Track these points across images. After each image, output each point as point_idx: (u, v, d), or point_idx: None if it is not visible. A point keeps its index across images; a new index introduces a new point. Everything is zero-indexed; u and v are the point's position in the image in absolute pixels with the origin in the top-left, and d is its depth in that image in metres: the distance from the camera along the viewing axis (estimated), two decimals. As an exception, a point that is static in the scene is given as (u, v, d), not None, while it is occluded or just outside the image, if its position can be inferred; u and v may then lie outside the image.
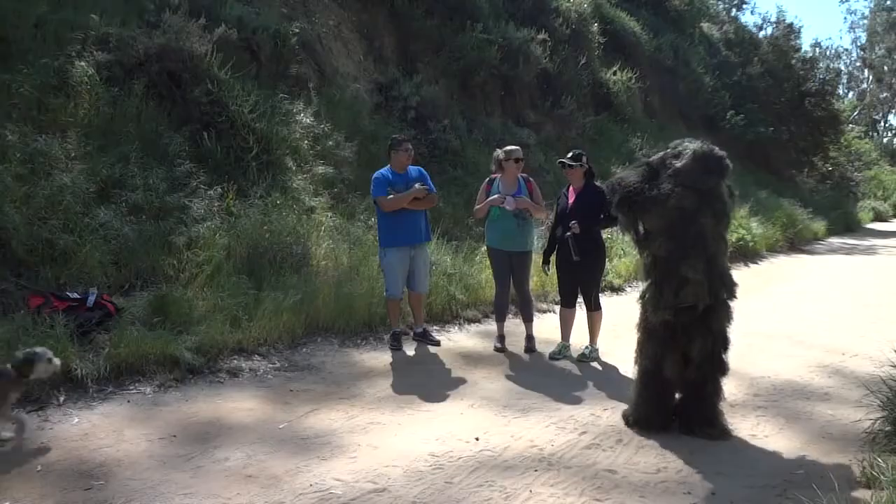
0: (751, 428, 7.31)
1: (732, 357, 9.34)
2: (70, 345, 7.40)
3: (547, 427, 7.18)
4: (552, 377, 8.89)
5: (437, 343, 10.20)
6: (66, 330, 7.50)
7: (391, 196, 9.70)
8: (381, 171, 9.98)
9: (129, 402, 7.24)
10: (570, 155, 9.66)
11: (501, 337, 10.20)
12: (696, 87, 31.22)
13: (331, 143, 13.75)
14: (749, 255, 20.97)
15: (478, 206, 10.17)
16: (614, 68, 25.56)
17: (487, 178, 10.25)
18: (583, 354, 9.73)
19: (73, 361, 7.26)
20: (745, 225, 21.56)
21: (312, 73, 15.22)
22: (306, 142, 13.31)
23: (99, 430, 6.57)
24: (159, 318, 8.40)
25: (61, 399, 7.00)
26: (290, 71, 14.44)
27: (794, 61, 36.75)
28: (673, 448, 6.71)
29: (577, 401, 8.03)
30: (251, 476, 5.87)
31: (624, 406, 7.61)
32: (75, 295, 8.25)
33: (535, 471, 6.18)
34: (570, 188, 9.66)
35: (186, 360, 7.98)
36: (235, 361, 8.53)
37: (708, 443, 6.83)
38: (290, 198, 11.66)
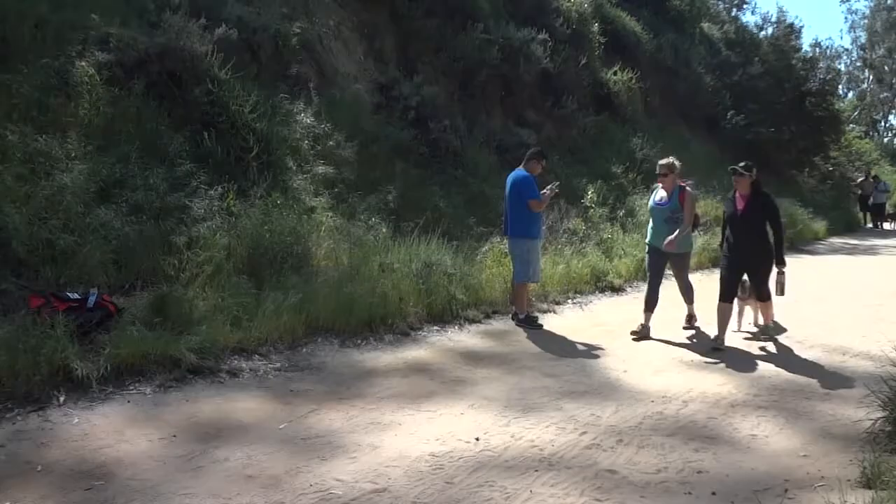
0: (751, 428, 7.28)
1: (733, 357, 9.43)
2: (70, 345, 7.33)
3: (547, 427, 7.14)
4: (553, 377, 8.84)
5: (541, 327, 11.32)
6: (67, 330, 7.42)
7: (546, 193, 11.37)
8: (526, 174, 11.40)
9: (129, 402, 7.19)
10: (741, 164, 10.24)
11: (642, 325, 11.01)
12: (697, 87, 31.17)
13: (331, 143, 13.78)
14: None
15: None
16: (615, 68, 25.55)
17: (653, 186, 11.64)
18: (762, 331, 10.97)
19: (74, 362, 7.22)
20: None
21: (313, 73, 15.23)
22: (307, 142, 13.34)
23: (99, 430, 6.53)
24: (160, 318, 8.35)
25: (61, 399, 6.95)
26: (291, 71, 14.46)
27: (794, 61, 36.63)
28: (674, 448, 6.71)
29: (577, 401, 7.97)
30: (251, 476, 5.85)
31: (631, 406, 7.72)
32: (76, 295, 8.20)
33: (536, 471, 6.16)
34: (738, 194, 10.27)
35: (187, 361, 7.93)
36: (236, 361, 8.50)
37: (710, 443, 6.82)
38: (291, 198, 11.66)
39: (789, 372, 9.32)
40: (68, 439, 6.34)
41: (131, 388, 7.48)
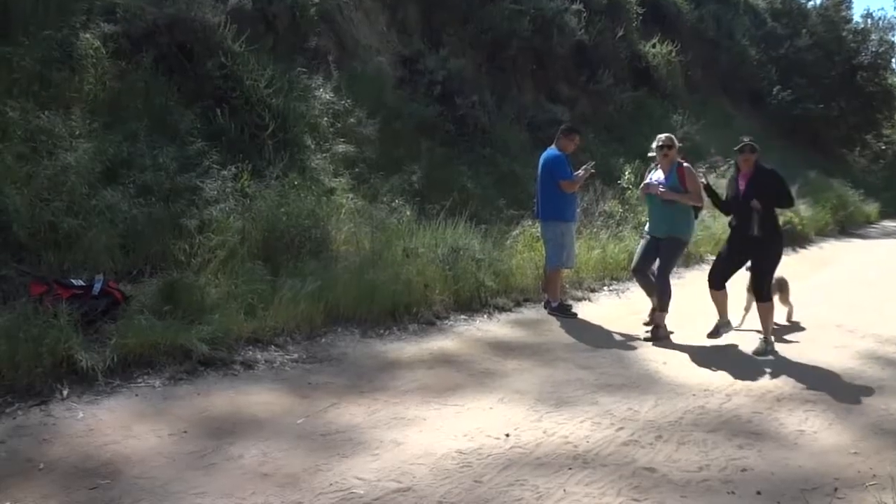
0: (798, 423, 7.26)
1: (779, 347, 9.34)
2: (74, 335, 7.28)
3: (582, 422, 7.10)
4: (588, 369, 8.79)
5: (575, 315, 11.29)
6: (70, 319, 7.38)
7: (580, 174, 11.26)
8: (558, 153, 11.29)
9: (137, 395, 7.16)
10: (748, 139, 9.83)
11: (653, 310, 10.71)
12: (741, 61, 31.07)
13: (352, 119, 13.82)
14: (797, 239, 20.85)
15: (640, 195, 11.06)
16: (653, 40, 25.49)
17: (649, 167, 11.09)
18: (757, 349, 9.76)
19: (78, 353, 7.19)
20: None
21: (332, 46, 15.22)
22: (326, 119, 13.38)
23: (105, 425, 6.50)
24: (169, 306, 8.30)
25: (65, 393, 6.92)
26: (309, 43, 14.47)
27: (844, 33, 36.48)
28: (716, 444, 6.68)
29: (614, 394, 7.94)
30: (267, 474, 5.82)
31: (671, 400, 7.70)
32: (80, 282, 8.21)
33: (570, 469, 6.12)
34: (740, 174, 9.85)
35: (198, 351, 7.90)
36: (251, 352, 8.46)
37: (754, 439, 6.80)
38: (309, 178, 11.68)
39: (839, 363, 9.27)
40: (72, 435, 6.30)
41: (139, 380, 7.45)
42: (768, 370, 8.97)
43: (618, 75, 22.83)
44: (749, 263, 10.00)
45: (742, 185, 9.67)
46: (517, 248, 12.83)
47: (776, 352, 9.63)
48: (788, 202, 9.86)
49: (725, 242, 10.26)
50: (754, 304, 10.16)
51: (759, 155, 9.73)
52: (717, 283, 10.07)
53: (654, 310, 10.59)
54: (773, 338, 9.84)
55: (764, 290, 9.77)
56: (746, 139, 9.80)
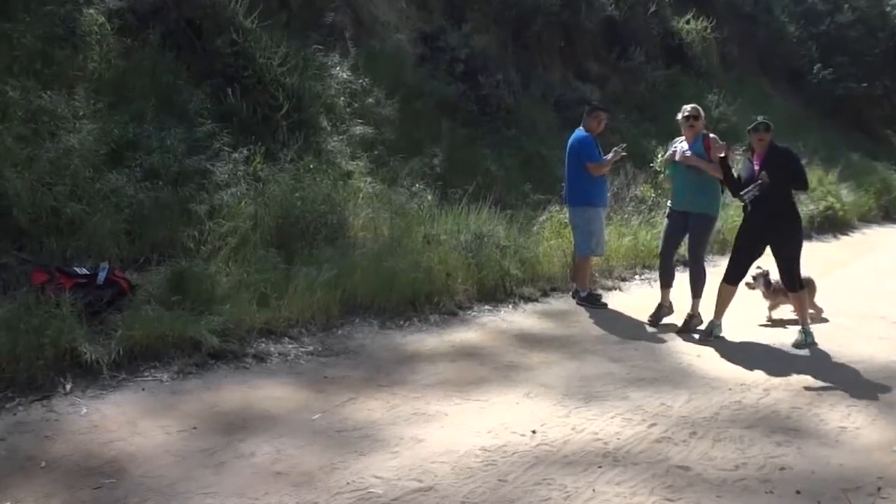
0: (840, 419, 7.24)
1: (819, 339, 9.26)
2: (78, 326, 7.33)
3: (612, 418, 7.10)
4: (618, 362, 8.79)
5: (605, 306, 11.29)
6: (74, 310, 7.42)
7: (609, 157, 11.16)
8: (585, 134, 11.23)
9: (143, 390, 7.18)
10: (761, 118, 9.74)
11: (660, 306, 10.60)
12: (779, 37, 30.86)
13: (370, 99, 13.88)
14: (838, 225, 20.80)
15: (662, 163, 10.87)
16: (688, 16, 25.33)
17: (673, 140, 10.91)
18: (797, 342, 9.69)
19: (82, 345, 7.20)
20: (833, 192, 21.37)
21: (349, 22, 15.24)
22: (342, 98, 13.42)
23: (110, 421, 6.51)
24: (178, 296, 8.33)
25: (68, 387, 6.94)
26: (325, 19, 14.50)
27: (889, 8, 36.19)
28: (753, 441, 6.66)
29: (646, 389, 7.93)
30: (280, 473, 5.81)
31: (705, 394, 7.68)
32: (84, 270, 8.24)
33: (599, 467, 6.11)
34: (755, 155, 9.78)
35: (208, 344, 7.91)
36: (263, 344, 8.49)
37: (794, 436, 6.79)
38: (325, 161, 11.72)
39: (884, 356, 9.26)
40: (75, 432, 6.31)
41: (146, 374, 7.48)
42: (808, 363, 8.95)
43: (650, 52, 22.71)
44: (749, 279, 10.24)
45: (756, 166, 9.60)
46: (544, 235, 12.81)
47: (816, 343, 9.58)
48: (804, 184, 9.86)
49: (740, 232, 9.98)
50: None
51: (773, 134, 9.64)
52: (735, 277, 9.94)
53: (660, 306, 10.54)
54: (811, 328, 9.78)
55: (795, 277, 9.65)
56: (760, 118, 9.75)
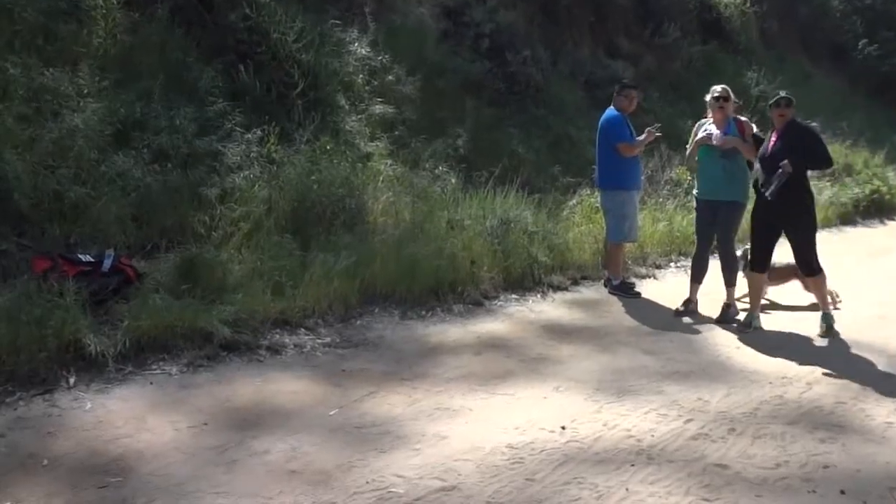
0: (887, 415, 7.20)
1: (862, 331, 9.21)
2: (82, 316, 7.36)
3: (646, 414, 7.10)
4: (653, 355, 8.79)
5: (638, 295, 11.29)
6: (78, 299, 7.46)
7: (642, 138, 11.19)
8: (615, 113, 11.26)
9: (151, 383, 7.19)
10: (782, 93, 9.81)
11: (688, 301, 10.56)
12: (822, 12, 30.79)
13: (390, 77, 13.91)
14: (885, 210, 20.78)
15: (688, 152, 10.71)
16: (725, -11, 25.23)
17: (698, 122, 10.78)
18: (822, 331, 9.71)
19: (86, 336, 7.22)
20: (880, 175, 21.31)
21: (368, -5, 15.15)
22: (361, 76, 13.45)
23: (116, 416, 6.51)
24: (188, 284, 8.36)
25: (71, 380, 6.96)
26: (343, -8, 14.40)
27: (940, -21, 36.07)
28: (795, 438, 6.64)
29: (681, 383, 7.93)
30: (296, 471, 5.81)
31: (744, 389, 7.67)
32: (88, 257, 8.28)
33: (632, 465, 6.10)
34: (774, 131, 9.74)
35: (220, 335, 7.93)
36: (278, 336, 8.49)
37: (838, 432, 6.77)
38: (343, 142, 11.76)
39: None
40: (79, 428, 6.31)
41: (154, 367, 7.49)
42: (853, 356, 8.95)
43: (685, 28, 22.70)
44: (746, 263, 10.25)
45: (772, 142, 9.62)
46: (574, 221, 12.84)
47: (839, 336, 9.55)
48: (824, 162, 9.82)
49: (753, 215, 9.98)
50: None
51: (794, 110, 9.65)
52: (759, 263, 9.93)
53: (688, 300, 10.52)
54: (832, 312, 9.84)
55: (812, 261, 9.65)
56: (782, 93, 9.82)
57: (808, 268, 9.69)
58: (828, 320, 9.68)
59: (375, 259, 9.84)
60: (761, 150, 9.67)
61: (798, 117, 9.68)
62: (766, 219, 9.58)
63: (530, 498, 5.54)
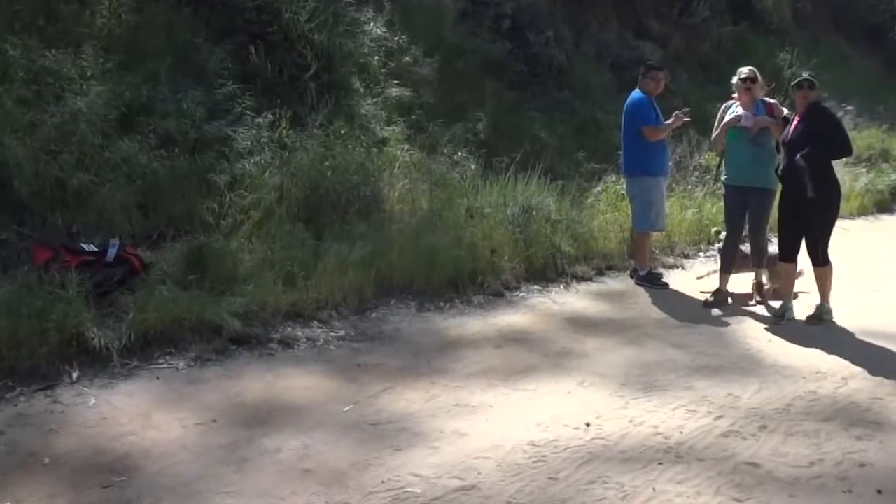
0: None
1: (889, 324, 9.16)
2: (85, 309, 7.38)
3: (674, 410, 7.08)
4: (681, 349, 8.76)
5: (666, 286, 11.23)
6: (81, 290, 7.47)
7: (669, 122, 11.23)
8: (641, 95, 11.19)
9: (158, 378, 7.20)
10: (806, 74, 9.96)
11: (717, 291, 10.55)
12: (857, -8, 30.68)
13: (407, 59, 13.96)
14: (924, 199, 20.54)
15: (715, 135, 10.77)
16: (757, -33, 25.17)
17: (723, 105, 10.83)
18: (815, 315, 9.80)
19: (90, 329, 7.23)
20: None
21: (384, -27, 15.14)
22: (377, 58, 13.50)
23: (121, 413, 6.51)
24: (196, 275, 8.38)
25: (74, 375, 6.98)
26: (358, -30, 14.38)
27: (982, -45, 35.94)
28: (830, 435, 6.63)
29: (711, 378, 7.90)
30: (309, 470, 5.81)
31: (777, 384, 7.65)
32: (92, 247, 8.34)
33: (660, 464, 6.09)
34: (796, 113, 9.78)
35: (229, 328, 7.94)
36: (290, 329, 8.50)
37: (875, 429, 6.75)
38: (358, 127, 11.77)
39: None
40: (82, 425, 6.32)
41: (160, 361, 7.51)
42: (889, 349, 8.85)
43: (715, 7, 22.68)
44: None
45: (793, 125, 9.61)
46: (599, 208, 12.82)
47: (834, 322, 9.63)
48: (843, 150, 9.76)
49: (779, 203, 10.00)
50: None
51: (818, 93, 9.69)
52: (788, 253, 9.88)
53: (718, 289, 10.50)
54: (830, 305, 9.80)
55: (820, 251, 9.62)
56: (805, 74, 9.95)
57: (815, 258, 9.67)
58: (822, 312, 9.74)
59: (392, 249, 9.85)
60: (783, 133, 9.68)
61: (833, 100, 9.69)
62: (794, 209, 9.57)
63: (553, 498, 5.54)
